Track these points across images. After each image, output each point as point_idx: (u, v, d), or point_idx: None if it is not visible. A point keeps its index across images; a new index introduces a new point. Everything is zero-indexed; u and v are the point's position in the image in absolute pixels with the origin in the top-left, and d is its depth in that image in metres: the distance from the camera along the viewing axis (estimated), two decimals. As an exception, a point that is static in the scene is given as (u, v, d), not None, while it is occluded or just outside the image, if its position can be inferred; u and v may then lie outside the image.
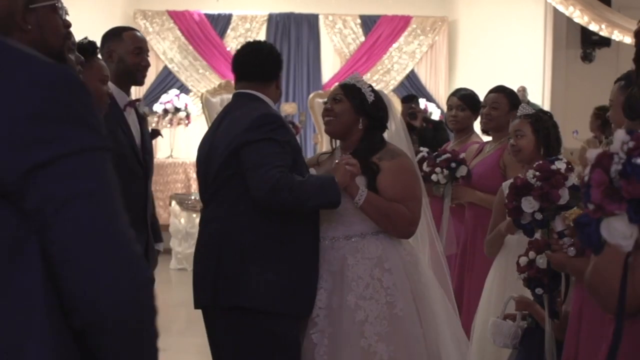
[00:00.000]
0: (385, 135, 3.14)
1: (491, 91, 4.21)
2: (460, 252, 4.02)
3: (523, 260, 2.72)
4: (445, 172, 4.00)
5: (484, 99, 4.20)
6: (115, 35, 3.41)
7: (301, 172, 2.89)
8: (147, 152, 3.42)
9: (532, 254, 2.70)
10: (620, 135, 1.31)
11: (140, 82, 3.47)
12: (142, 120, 3.46)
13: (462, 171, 4.04)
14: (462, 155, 4.13)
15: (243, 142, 2.83)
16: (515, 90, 4.50)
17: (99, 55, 3.09)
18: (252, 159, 2.81)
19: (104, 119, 3.10)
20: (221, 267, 2.86)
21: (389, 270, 2.91)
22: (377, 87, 3.24)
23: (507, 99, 4.13)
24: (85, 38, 3.00)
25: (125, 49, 3.37)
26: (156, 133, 3.68)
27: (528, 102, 9.54)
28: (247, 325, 2.85)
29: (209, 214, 2.99)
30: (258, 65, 3.00)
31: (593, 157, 1.34)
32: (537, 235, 2.78)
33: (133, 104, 3.42)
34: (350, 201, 2.92)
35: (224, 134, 2.94)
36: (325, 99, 3.17)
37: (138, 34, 3.52)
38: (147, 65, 3.45)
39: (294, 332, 2.88)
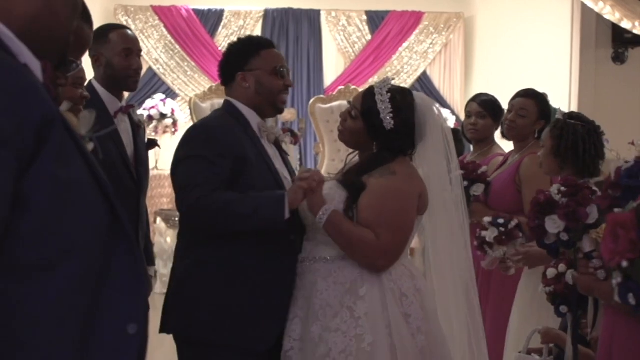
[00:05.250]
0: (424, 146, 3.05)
1: (519, 95, 4.16)
2: None
3: (551, 272, 2.72)
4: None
5: (510, 103, 4.17)
6: (100, 36, 3.35)
7: (251, 182, 2.84)
8: (141, 164, 3.40)
9: (562, 267, 2.70)
10: None
11: (132, 88, 3.44)
12: (137, 128, 3.45)
13: (478, 189, 4.00)
14: (482, 170, 4.10)
15: (174, 162, 2.92)
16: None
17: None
18: (177, 180, 2.89)
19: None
20: (168, 294, 3.02)
21: (362, 297, 2.78)
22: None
23: (537, 106, 4.10)
24: None
25: (112, 51, 3.36)
26: (153, 143, 3.62)
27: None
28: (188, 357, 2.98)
29: None
30: (219, 69, 3.04)
31: None
32: None
33: (126, 110, 3.39)
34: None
35: None
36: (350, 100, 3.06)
37: (127, 32, 3.49)
38: (139, 68, 3.41)
39: None
